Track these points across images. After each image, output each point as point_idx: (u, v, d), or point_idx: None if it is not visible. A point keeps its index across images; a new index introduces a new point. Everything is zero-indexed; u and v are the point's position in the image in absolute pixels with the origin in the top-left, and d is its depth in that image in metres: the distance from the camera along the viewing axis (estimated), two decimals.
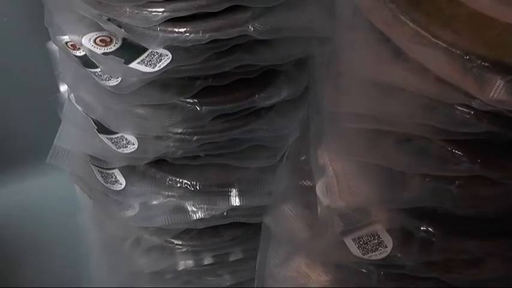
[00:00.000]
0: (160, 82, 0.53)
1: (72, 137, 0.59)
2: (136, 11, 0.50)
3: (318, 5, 0.53)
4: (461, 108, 0.36)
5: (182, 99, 0.54)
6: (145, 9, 0.50)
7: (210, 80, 0.54)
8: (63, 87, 0.68)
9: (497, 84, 0.34)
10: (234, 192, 0.60)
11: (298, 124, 0.58)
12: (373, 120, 0.38)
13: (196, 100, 0.54)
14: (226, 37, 0.50)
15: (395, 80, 0.37)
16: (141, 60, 0.50)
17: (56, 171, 0.66)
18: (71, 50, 0.55)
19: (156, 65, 0.50)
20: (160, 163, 0.59)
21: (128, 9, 0.51)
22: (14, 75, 0.93)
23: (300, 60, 0.57)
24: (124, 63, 0.50)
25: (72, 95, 0.60)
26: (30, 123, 0.98)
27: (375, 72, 0.38)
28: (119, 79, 0.51)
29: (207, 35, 0.50)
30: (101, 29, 0.53)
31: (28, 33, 0.78)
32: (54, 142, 0.59)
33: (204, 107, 0.54)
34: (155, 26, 0.50)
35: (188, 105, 0.54)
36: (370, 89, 0.39)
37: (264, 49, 0.54)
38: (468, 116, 0.36)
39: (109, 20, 0.51)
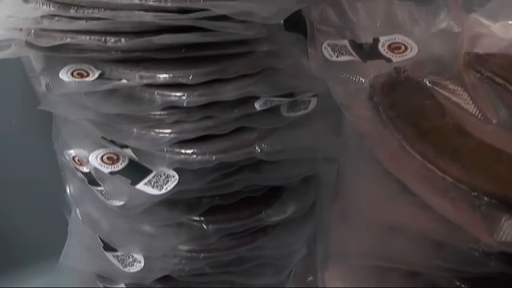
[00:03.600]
0: (167, 201, 0.52)
1: (77, 255, 0.59)
2: (143, 132, 0.50)
3: (324, 125, 0.53)
4: (469, 245, 0.36)
5: (189, 218, 0.54)
6: (152, 130, 0.50)
7: (217, 198, 0.53)
8: None
9: (506, 225, 0.34)
10: None
11: (305, 241, 0.57)
12: (380, 259, 0.38)
13: (203, 218, 0.54)
14: (234, 160, 0.50)
15: (402, 219, 0.37)
16: (148, 181, 0.50)
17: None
18: (78, 166, 0.55)
19: (163, 187, 0.49)
20: (166, 279, 0.58)
21: (135, 130, 0.51)
22: (20, 175, 0.93)
23: (307, 176, 0.57)
24: (131, 183, 0.50)
25: (78, 210, 0.60)
26: (36, 222, 0.97)
27: (381, 211, 0.38)
28: (125, 199, 0.51)
29: (214, 157, 0.50)
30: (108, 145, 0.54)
31: (36, 135, 0.78)
32: (60, 260, 0.59)
33: (210, 226, 0.54)
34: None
35: (195, 223, 0.54)
36: (377, 228, 0.38)
37: (271, 168, 0.54)
38: (477, 254, 0.35)
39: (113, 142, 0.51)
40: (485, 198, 0.35)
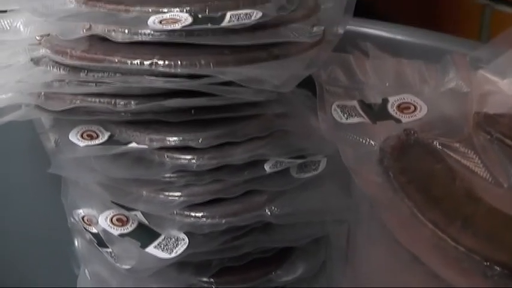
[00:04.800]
0: (177, 263, 0.52)
1: None
2: (153, 195, 0.50)
3: (334, 186, 0.53)
4: None
5: (199, 279, 0.54)
6: (162, 193, 0.50)
7: (226, 260, 0.53)
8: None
9: None
10: None
11: None
12: None
13: (212, 280, 0.54)
14: (243, 223, 0.50)
15: None
16: (158, 244, 0.50)
17: None
18: (87, 226, 0.55)
19: (172, 251, 0.49)
20: None
21: (144, 193, 0.51)
22: (28, 225, 0.93)
23: None
24: (140, 246, 0.50)
25: (86, 270, 0.59)
26: (43, 273, 0.97)
27: (392, 279, 0.38)
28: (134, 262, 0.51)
29: (224, 221, 0.50)
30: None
31: (44, 186, 0.79)
32: None
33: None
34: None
35: (204, 285, 0.54)
36: None
37: (281, 229, 0.53)
38: None
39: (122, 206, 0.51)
40: (498, 268, 0.35)
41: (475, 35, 0.99)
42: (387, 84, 0.50)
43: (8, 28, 0.53)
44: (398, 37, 0.77)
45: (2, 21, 0.53)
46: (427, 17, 1.07)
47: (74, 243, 0.65)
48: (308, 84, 0.51)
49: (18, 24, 0.53)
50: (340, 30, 0.53)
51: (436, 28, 0.94)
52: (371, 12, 0.78)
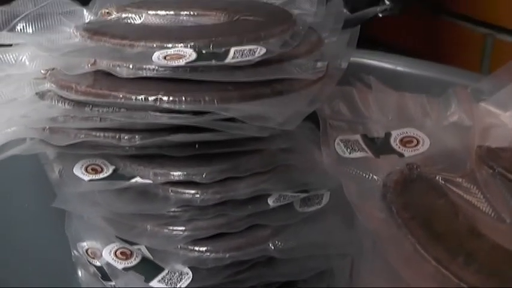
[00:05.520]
0: None
1: None
2: (157, 229, 0.50)
3: (337, 219, 0.53)
4: None
5: None
6: (166, 227, 0.50)
7: None
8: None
9: None
10: None
11: None
12: None
13: None
14: (247, 257, 0.50)
15: None
16: (162, 278, 0.50)
17: None
18: (91, 259, 0.55)
19: (176, 285, 0.49)
20: None
21: (148, 227, 0.51)
22: (31, 256, 0.92)
23: None
24: (144, 280, 0.50)
25: None
26: None
27: None
28: None
29: (228, 255, 0.50)
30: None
31: (48, 217, 0.78)
32: None
33: None
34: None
35: None
36: None
37: (284, 263, 0.53)
38: None
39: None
40: None
41: (477, 64, 0.99)
42: (390, 118, 0.51)
43: (14, 62, 0.53)
44: (399, 68, 0.78)
45: (7, 55, 0.54)
46: (428, 45, 1.07)
47: (77, 275, 0.65)
48: (311, 116, 0.51)
49: (23, 58, 0.53)
50: (344, 65, 0.54)
51: (438, 56, 0.94)
52: (373, 44, 0.79)
